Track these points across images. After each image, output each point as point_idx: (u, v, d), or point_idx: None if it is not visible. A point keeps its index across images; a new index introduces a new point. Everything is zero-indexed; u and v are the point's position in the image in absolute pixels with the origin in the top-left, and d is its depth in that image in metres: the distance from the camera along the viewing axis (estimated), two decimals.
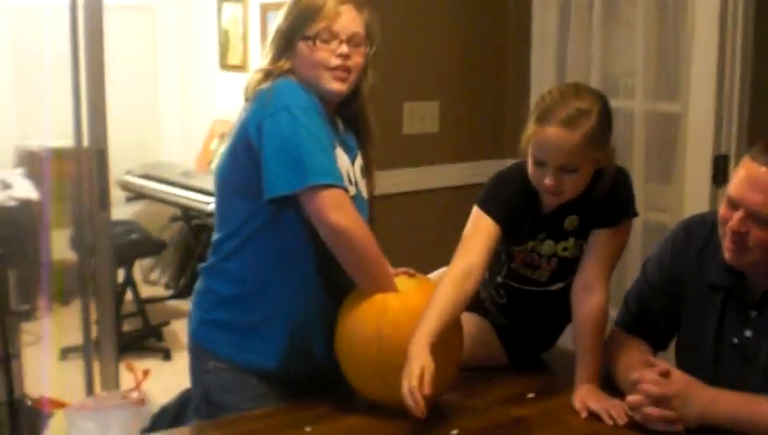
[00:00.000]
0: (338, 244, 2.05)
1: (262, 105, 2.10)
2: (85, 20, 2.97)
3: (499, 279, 2.27)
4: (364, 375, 2.04)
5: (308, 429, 1.95)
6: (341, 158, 2.17)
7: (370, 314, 2.00)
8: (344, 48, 2.13)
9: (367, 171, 2.30)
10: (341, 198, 2.04)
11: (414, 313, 1.99)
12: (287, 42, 2.15)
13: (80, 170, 3.13)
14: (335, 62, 2.13)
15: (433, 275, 2.32)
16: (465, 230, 2.16)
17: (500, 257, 2.24)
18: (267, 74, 2.16)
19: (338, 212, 2.02)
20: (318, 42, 2.12)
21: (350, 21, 2.15)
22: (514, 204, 2.14)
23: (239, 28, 6.14)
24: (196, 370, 2.27)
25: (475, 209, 2.16)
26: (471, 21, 3.73)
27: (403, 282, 2.12)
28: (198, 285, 2.31)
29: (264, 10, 5.85)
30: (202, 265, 2.31)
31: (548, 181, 2.04)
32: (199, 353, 2.26)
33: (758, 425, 1.86)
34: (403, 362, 1.92)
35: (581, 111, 2.01)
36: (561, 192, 2.07)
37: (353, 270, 2.09)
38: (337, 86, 2.15)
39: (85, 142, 3.13)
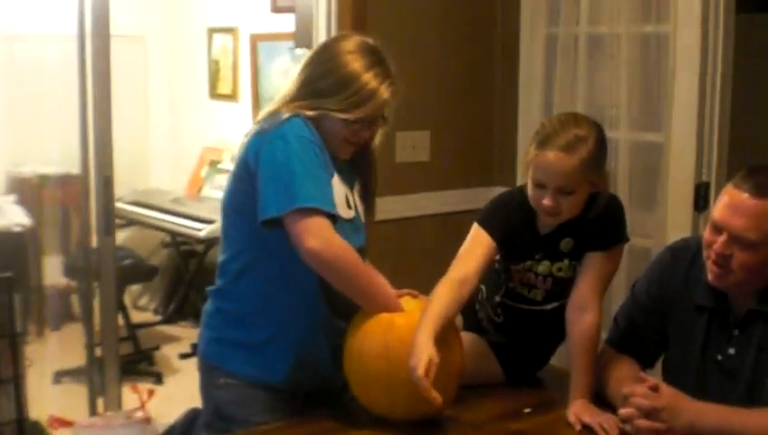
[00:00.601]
0: (315, 267, 2.13)
1: (262, 132, 2.19)
2: (93, 50, 3.05)
3: (497, 298, 2.37)
4: (372, 390, 2.12)
5: None
6: (340, 186, 2.25)
7: (378, 332, 2.09)
8: (366, 133, 2.25)
9: (367, 200, 2.39)
10: (320, 225, 2.10)
11: None
12: (322, 108, 2.19)
13: (85, 196, 3.20)
14: (355, 139, 2.24)
15: None
16: (463, 245, 2.28)
17: (499, 277, 2.35)
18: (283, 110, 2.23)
19: (313, 238, 2.08)
20: (354, 125, 2.20)
21: (383, 107, 2.24)
22: (512, 224, 2.27)
23: (229, 58, 6.24)
24: (207, 386, 2.35)
25: (475, 226, 2.29)
26: (461, 54, 3.82)
27: (407, 302, 2.21)
28: (207, 306, 2.38)
29: (254, 40, 5.96)
30: (210, 287, 2.37)
31: (546, 202, 2.17)
32: (209, 370, 2.34)
33: None
34: (409, 378, 2.01)
35: (579, 138, 2.15)
36: (559, 213, 2.20)
37: (342, 289, 2.17)
38: (344, 156, 2.27)
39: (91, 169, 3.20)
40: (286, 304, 2.24)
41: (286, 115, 2.19)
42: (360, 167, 2.37)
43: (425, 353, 2.00)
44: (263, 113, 2.28)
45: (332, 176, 2.23)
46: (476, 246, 2.26)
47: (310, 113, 2.19)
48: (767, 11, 4.45)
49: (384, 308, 2.16)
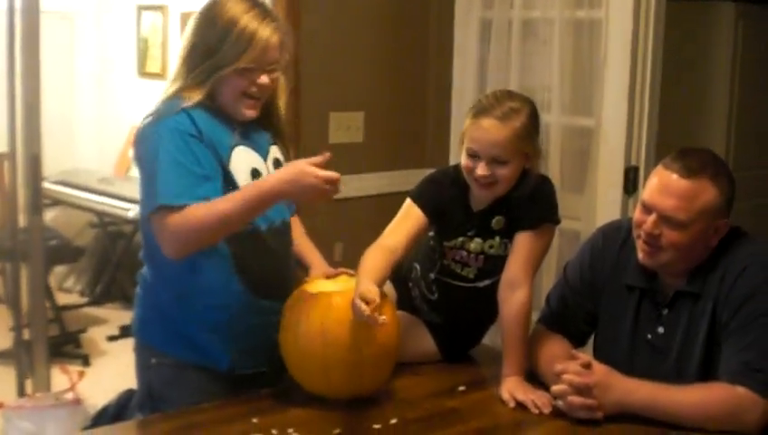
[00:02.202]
0: (183, 260, 2.15)
1: (145, 124, 2.20)
2: (23, 26, 2.99)
3: (432, 275, 2.40)
4: (308, 369, 2.12)
5: (255, 420, 2.02)
6: (247, 155, 2.25)
7: (315, 311, 2.09)
8: (265, 79, 2.21)
9: (286, 161, 2.35)
10: (172, 224, 2.08)
11: None
12: (212, 67, 2.18)
13: (12, 175, 3.14)
14: (253, 90, 2.21)
15: None
16: (394, 218, 2.33)
17: (434, 254, 2.38)
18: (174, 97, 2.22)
19: (166, 243, 2.12)
20: (245, 73, 2.18)
21: (275, 50, 2.22)
22: (443, 199, 2.32)
23: (158, 36, 6.16)
24: (140, 366, 2.34)
25: (407, 200, 2.33)
26: (395, 36, 3.84)
27: (344, 281, 2.22)
28: (139, 286, 2.36)
29: (185, 18, 5.87)
30: (140, 270, 2.36)
31: (480, 171, 2.21)
32: (142, 350, 2.33)
33: (671, 412, 2.00)
34: (346, 357, 2.05)
35: (513, 109, 2.22)
36: (493, 184, 2.24)
37: (219, 238, 2.16)
38: (250, 113, 2.25)
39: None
40: (203, 289, 2.22)
41: (172, 104, 2.18)
42: (271, 129, 2.36)
43: (367, 287, 2.04)
44: (163, 94, 2.25)
45: (231, 150, 2.21)
46: (407, 219, 2.31)
47: (201, 92, 2.18)
48: None
49: (260, 197, 2.11)
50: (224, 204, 2.10)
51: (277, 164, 2.33)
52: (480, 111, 2.24)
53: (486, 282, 2.36)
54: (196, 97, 2.19)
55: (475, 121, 2.23)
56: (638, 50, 3.22)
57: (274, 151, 2.35)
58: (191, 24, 2.25)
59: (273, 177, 2.14)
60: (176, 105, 2.18)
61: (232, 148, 2.22)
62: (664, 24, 3.26)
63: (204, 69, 2.19)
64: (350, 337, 2.05)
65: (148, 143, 2.18)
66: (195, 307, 2.23)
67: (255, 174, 2.25)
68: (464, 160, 2.26)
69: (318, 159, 2.10)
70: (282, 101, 2.37)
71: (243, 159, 2.24)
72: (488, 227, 2.32)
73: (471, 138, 2.23)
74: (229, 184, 2.18)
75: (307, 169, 2.06)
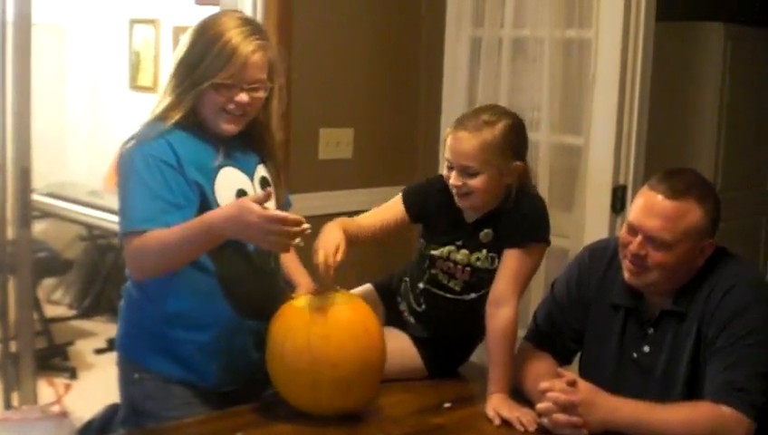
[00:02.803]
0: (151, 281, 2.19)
1: (125, 147, 2.18)
2: (14, 38, 2.99)
3: (421, 285, 2.41)
4: (294, 385, 2.12)
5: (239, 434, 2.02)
6: (233, 176, 2.24)
7: (301, 327, 2.09)
8: (244, 97, 2.18)
9: (274, 184, 2.33)
10: (136, 249, 2.11)
11: (342, 326, 2.11)
12: (193, 81, 2.16)
13: (1, 187, 3.13)
14: (231, 106, 2.18)
15: (357, 290, 2.46)
16: (381, 206, 2.43)
17: (423, 263, 2.40)
18: (160, 119, 2.21)
19: (132, 269, 2.19)
20: (222, 89, 2.16)
21: (257, 70, 2.18)
22: (430, 205, 2.38)
23: (150, 50, 6.18)
24: (123, 381, 2.33)
25: (400, 196, 2.42)
26: (386, 53, 3.85)
27: (331, 298, 2.22)
28: (123, 300, 2.36)
29: (177, 33, 5.89)
30: (125, 285, 2.35)
31: (452, 181, 2.27)
32: (125, 365, 2.33)
33: (656, 431, 2.00)
34: (332, 374, 2.05)
35: (487, 122, 2.26)
36: (467, 195, 2.28)
37: (175, 267, 2.15)
38: (229, 128, 2.22)
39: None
40: (189, 308, 2.22)
41: (153, 127, 2.18)
42: (260, 150, 2.34)
43: (333, 240, 2.15)
44: (150, 114, 2.25)
45: (218, 169, 2.20)
46: (387, 209, 2.42)
47: (181, 108, 2.17)
48: (686, 19, 4.59)
49: (205, 234, 2.08)
50: (175, 234, 2.08)
51: (264, 183, 2.31)
52: (459, 121, 2.30)
53: (472, 295, 2.37)
54: (176, 115, 2.18)
55: (452, 132, 2.28)
56: (627, 69, 3.23)
57: (261, 170, 2.33)
58: (182, 39, 2.24)
59: (216, 212, 2.09)
60: (156, 128, 2.18)
61: (218, 168, 2.21)
62: (653, 43, 3.27)
63: (186, 85, 2.18)
64: (337, 353, 2.06)
65: (123, 168, 2.18)
66: (180, 325, 2.22)
67: (241, 194, 2.23)
68: (444, 171, 2.33)
69: (260, 194, 2.08)
70: (274, 123, 2.33)
71: (228, 180, 2.23)
72: (476, 238, 2.34)
73: (447, 147, 2.29)
74: (210, 208, 2.16)
75: (246, 204, 2.00)
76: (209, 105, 2.19)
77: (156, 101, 2.25)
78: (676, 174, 2.15)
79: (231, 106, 2.18)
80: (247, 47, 2.15)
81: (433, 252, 2.37)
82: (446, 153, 2.30)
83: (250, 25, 2.21)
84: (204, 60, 2.15)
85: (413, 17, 3.92)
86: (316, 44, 3.61)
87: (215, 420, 2.15)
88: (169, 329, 2.23)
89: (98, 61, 6.57)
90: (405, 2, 3.89)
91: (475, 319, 2.34)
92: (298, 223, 1.99)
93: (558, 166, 3.47)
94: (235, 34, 2.15)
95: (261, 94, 2.22)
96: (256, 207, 1.99)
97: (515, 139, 2.29)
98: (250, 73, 2.17)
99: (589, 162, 3.34)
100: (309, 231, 2.02)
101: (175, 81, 2.21)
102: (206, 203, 2.18)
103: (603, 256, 2.32)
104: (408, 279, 2.45)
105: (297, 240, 2.02)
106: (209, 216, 2.08)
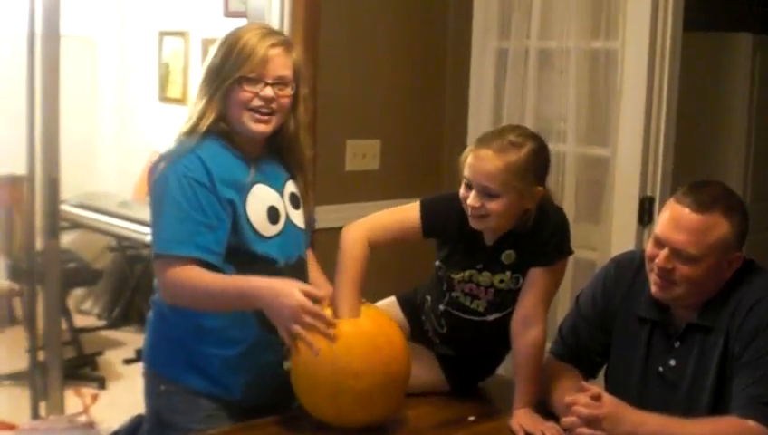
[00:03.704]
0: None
1: (158, 163, 2.20)
2: (42, 50, 3.03)
3: (441, 307, 2.36)
4: (318, 397, 2.11)
5: None
6: (265, 193, 2.25)
7: (324, 338, 2.07)
8: (268, 91, 2.20)
9: (302, 201, 2.36)
10: (172, 275, 2.13)
11: (365, 337, 2.11)
12: (218, 82, 2.20)
13: (30, 198, 3.17)
14: (257, 103, 2.20)
15: (381, 303, 2.45)
16: (396, 209, 2.35)
17: (441, 285, 2.35)
18: (192, 130, 2.23)
19: (164, 293, 2.20)
20: (245, 84, 2.19)
21: (278, 65, 2.21)
22: (448, 226, 2.29)
23: (180, 61, 6.21)
24: (149, 393, 2.34)
25: (417, 206, 2.31)
26: (412, 64, 3.85)
27: None
28: (151, 312, 2.37)
29: (206, 44, 5.93)
30: (153, 296, 2.36)
31: (470, 201, 2.17)
32: (151, 377, 2.34)
33: None
34: (354, 385, 2.04)
35: (513, 143, 2.17)
36: (484, 217, 2.19)
37: (206, 310, 2.20)
38: (259, 127, 2.22)
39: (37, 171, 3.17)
40: (218, 324, 2.23)
41: (185, 143, 2.20)
42: (290, 164, 2.35)
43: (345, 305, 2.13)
44: (183, 126, 2.26)
45: (251, 186, 2.22)
46: (403, 221, 2.32)
47: (211, 112, 2.20)
48: (714, 29, 4.56)
49: (243, 293, 2.13)
50: (210, 284, 2.13)
51: (293, 199, 2.33)
52: (481, 140, 2.21)
53: (496, 315, 2.33)
54: (207, 122, 2.20)
55: (474, 150, 2.19)
56: (654, 80, 3.21)
57: (290, 186, 2.34)
58: (209, 53, 2.27)
59: (265, 280, 2.12)
60: (188, 144, 2.19)
61: (250, 185, 2.23)
62: (680, 54, 3.25)
63: (212, 89, 2.21)
64: (360, 365, 2.05)
65: (157, 186, 2.19)
66: (208, 341, 2.23)
67: (272, 211, 2.25)
68: (461, 190, 2.22)
69: (315, 291, 2.10)
70: (302, 134, 2.34)
71: (260, 197, 2.24)
72: (498, 261, 2.28)
73: (467, 166, 2.19)
74: (242, 226, 2.19)
75: (295, 290, 2.06)
76: (236, 104, 2.20)
77: (187, 115, 2.27)
78: (703, 187, 2.13)
79: (257, 102, 2.20)
80: (265, 43, 2.20)
81: (452, 275, 2.32)
82: (465, 171, 2.19)
83: (268, 29, 2.27)
84: (226, 62, 2.19)
85: (439, 29, 3.92)
86: (343, 56, 3.62)
87: (238, 431, 2.16)
88: (197, 343, 2.24)
89: (128, 72, 6.62)
90: (431, 13, 3.90)
91: (500, 338, 2.32)
92: (329, 324, 2.06)
93: (585, 177, 3.45)
94: (253, 35, 2.21)
95: (286, 92, 2.24)
96: (300, 295, 2.05)
97: (540, 163, 2.22)
98: (271, 68, 2.20)
99: (616, 174, 3.33)
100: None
101: (202, 90, 2.24)
102: (238, 221, 2.19)
103: (629, 268, 2.30)
104: (429, 298, 2.41)
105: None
106: (256, 280, 2.13)
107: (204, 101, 2.22)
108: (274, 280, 2.11)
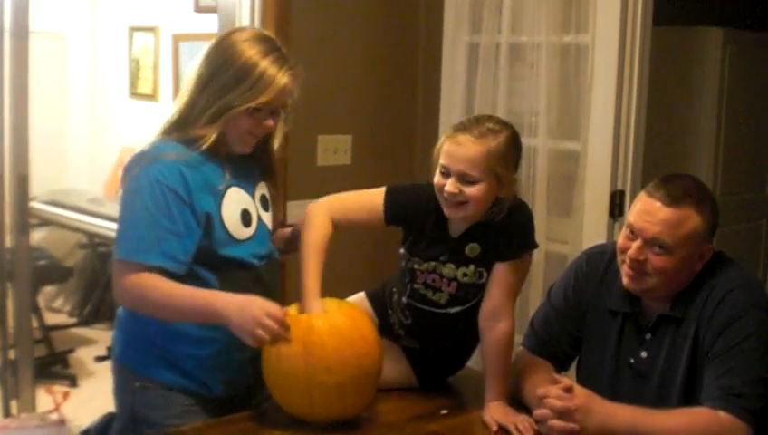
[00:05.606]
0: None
1: (132, 162, 2.19)
2: (11, 46, 3.00)
3: (404, 299, 2.35)
4: (290, 392, 2.11)
5: None
6: (238, 196, 2.25)
7: (296, 334, 2.08)
8: (271, 122, 2.21)
9: (271, 204, 2.37)
10: (131, 282, 2.12)
11: (338, 332, 2.10)
12: (224, 104, 2.16)
13: (1, 195, 3.14)
14: (258, 131, 2.22)
15: (351, 299, 2.45)
16: (363, 194, 2.34)
17: (404, 277, 2.34)
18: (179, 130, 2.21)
19: (120, 298, 2.20)
20: (254, 113, 2.18)
21: (287, 93, 2.21)
22: (414, 214, 2.28)
23: (150, 57, 6.18)
24: (122, 390, 2.32)
25: (383, 192, 2.30)
26: (384, 59, 3.85)
27: (325, 303, 2.21)
28: (121, 308, 2.34)
29: (176, 40, 5.91)
30: None
31: (448, 188, 2.16)
32: (125, 374, 2.31)
33: None
34: (328, 380, 2.04)
35: (491, 130, 2.18)
36: (463, 204, 2.18)
37: (165, 318, 2.19)
38: (247, 149, 2.25)
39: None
40: (190, 326, 2.21)
41: (163, 149, 2.18)
42: (262, 165, 2.35)
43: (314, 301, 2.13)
44: (165, 123, 2.25)
45: (226, 190, 2.21)
46: (367, 207, 2.31)
47: (213, 131, 2.17)
48: (684, 24, 4.59)
49: (206, 310, 2.12)
50: (176, 292, 2.12)
51: (263, 201, 2.34)
52: (458, 128, 2.20)
53: (458, 308, 2.31)
54: (208, 141, 2.16)
55: (452, 137, 2.18)
56: (625, 74, 3.22)
57: (261, 188, 2.34)
58: (202, 57, 2.24)
59: (228, 296, 2.11)
60: (167, 148, 2.18)
61: (225, 189, 2.22)
62: (650, 48, 3.27)
63: (216, 108, 2.17)
64: (333, 360, 2.05)
65: (129, 188, 2.17)
66: (181, 340, 2.22)
67: (245, 215, 2.25)
68: (436, 178, 2.21)
69: (278, 310, 2.09)
70: (277, 141, 2.35)
71: (234, 201, 2.24)
72: (462, 253, 2.27)
73: (444, 153, 2.18)
74: (215, 230, 2.18)
75: (261, 301, 2.07)
76: (237, 128, 2.19)
77: (173, 114, 2.24)
78: (673, 180, 2.15)
79: (258, 130, 2.21)
80: (284, 77, 2.18)
81: (416, 266, 2.31)
82: (442, 159, 2.18)
83: (277, 52, 2.21)
84: (239, 86, 2.15)
85: (410, 23, 3.93)
86: (314, 51, 3.61)
87: (212, 427, 2.15)
88: (170, 343, 2.23)
89: (97, 68, 6.58)
90: (402, 8, 3.90)
91: (464, 331, 2.32)
92: (287, 329, 2.07)
93: (555, 171, 3.46)
94: (269, 64, 2.17)
95: (281, 117, 2.26)
96: (262, 301, 2.07)
97: (516, 151, 2.23)
98: (282, 100, 2.21)
99: (587, 168, 3.34)
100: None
101: (202, 102, 2.19)
102: (213, 226, 2.19)
103: (600, 261, 2.32)
104: (395, 290, 2.40)
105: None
106: (219, 295, 2.12)
107: (204, 119, 2.18)
108: (239, 296, 2.10)
